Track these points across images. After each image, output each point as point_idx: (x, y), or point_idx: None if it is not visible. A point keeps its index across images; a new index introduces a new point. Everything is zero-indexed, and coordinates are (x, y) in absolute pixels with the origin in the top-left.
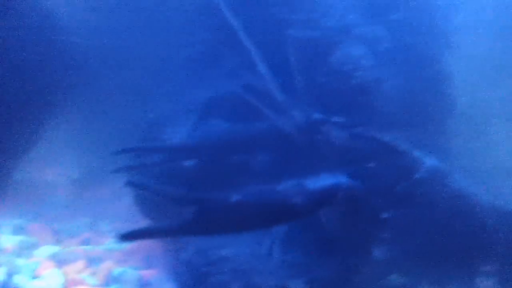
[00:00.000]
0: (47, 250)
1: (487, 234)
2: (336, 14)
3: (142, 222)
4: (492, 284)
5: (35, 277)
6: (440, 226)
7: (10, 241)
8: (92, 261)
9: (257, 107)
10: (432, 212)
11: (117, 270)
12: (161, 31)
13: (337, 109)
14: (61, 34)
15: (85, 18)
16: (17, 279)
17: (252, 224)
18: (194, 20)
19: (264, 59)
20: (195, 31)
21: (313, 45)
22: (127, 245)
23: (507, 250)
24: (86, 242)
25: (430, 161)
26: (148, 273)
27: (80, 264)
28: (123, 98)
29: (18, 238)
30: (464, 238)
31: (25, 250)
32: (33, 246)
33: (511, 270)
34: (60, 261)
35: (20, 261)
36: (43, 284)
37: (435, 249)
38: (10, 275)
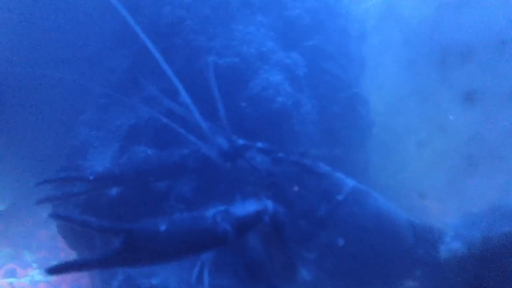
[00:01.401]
0: None
1: (407, 250)
2: (254, 41)
3: (66, 252)
4: None
5: None
6: (363, 245)
7: None
8: None
9: (180, 133)
10: (355, 232)
11: None
12: (79, 57)
13: (259, 133)
14: None
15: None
16: None
17: (181, 253)
18: (112, 47)
19: (183, 85)
20: (114, 57)
21: (233, 71)
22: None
23: (427, 264)
24: (10, 273)
25: (351, 183)
26: None
27: None
28: (42, 125)
29: None
30: (386, 255)
31: None
32: None
33: (432, 284)
34: None
35: None
36: None
37: (360, 267)
38: None
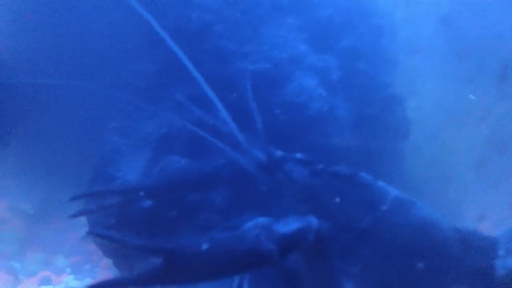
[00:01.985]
0: None
1: (454, 261)
2: (286, 45)
3: (98, 255)
4: None
5: None
6: (408, 256)
7: None
8: None
9: (214, 143)
10: (400, 243)
11: None
12: (108, 64)
13: (293, 141)
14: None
15: (26, 57)
16: None
17: (223, 273)
18: (141, 53)
19: (215, 93)
20: (141, 62)
21: (265, 77)
22: (87, 282)
23: (473, 275)
24: (44, 281)
25: (393, 192)
26: None
27: None
28: (73, 133)
29: None
30: (431, 266)
31: None
32: None
33: None
34: None
35: None
36: None
37: (405, 279)
38: None
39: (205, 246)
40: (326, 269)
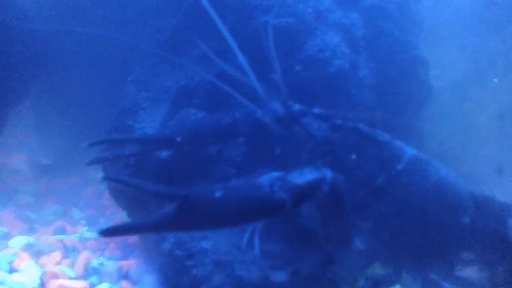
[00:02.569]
0: (20, 240)
1: (467, 222)
2: (310, 0)
3: (112, 209)
4: (472, 271)
5: (12, 270)
6: (421, 216)
7: None
8: (68, 251)
9: (232, 96)
10: (414, 202)
11: (96, 261)
12: (128, 17)
13: (313, 98)
14: (22, 21)
15: (48, 5)
16: None
17: (236, 220)
18: (162, 6)
19: (237, 46)
20: (164, 16)
21: (288, 32)
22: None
23: (486, 237)
24: (59, 230)
25: (411, 151)
26: (127, 264)
27: (56, 255)
28: (92, 85)
29: None
30: (444, 226)
31: None
32: (6, 236)
33: (491, 257)
34: (35, 253)
35: None
36: (23, 278)
37: (416, 238)
38: None
39: (218, 193)
40: (339, 223)
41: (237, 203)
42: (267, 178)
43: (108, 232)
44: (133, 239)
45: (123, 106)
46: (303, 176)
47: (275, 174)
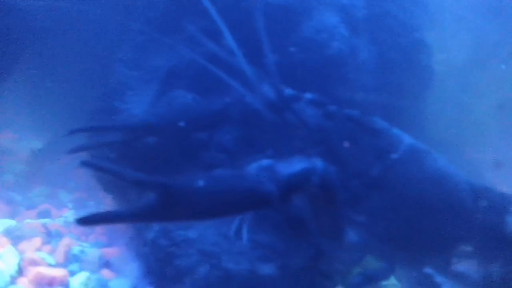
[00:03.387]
0: (1, 224)
1: (464, 215)
2: None
3: (103, 192)
4: (469, 265)
5: None
6: (417, 208)
7: None
8: (51, 236)
9: (223, 79)
10: (410, 194)
11: (77, 248)
12: None
13: (310, 82)
14: None
15: None
16: None
17: (220, 212)
18: None
19: (228, 26)
20: None
21: (284, 11)
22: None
23: (485, 231)
24: (44, 214)
25: (408, 140)
26: (110, 252)
27: (37, 240)
28: (79, 63)
29: None
30: (441, 219)
31: None
32: None
33: (488, 251)
34: (16, 237)
35: None
36: (0, 265)
37: (412, 231)
38: None
39: (202, 183)
40: (331, 215)
41: (221, 193)
42: (255, 168)
43: (86, 221)
44: (120, 225)
45: (111, 85)
46: (292, 167)
47: (264, 163)
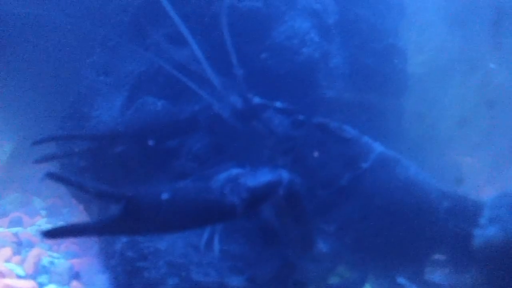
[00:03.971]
0: None
1: (437, 224)
2: None
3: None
4: (442, 274)
5: None
6: (388, 216)
7: None
8: (22, 246)
9: (190, 87)
10: (380, 203)
11: (47, 259)
12: None
13: (281, 89)
14: None
15: None
16: None
17: (184, 225)
18: None
19: (197, 32)
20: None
21: (253, 16)
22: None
23: (457, 239)
24: (15, 222)
25: (378, 148)
26: (80, 263)
27: (7, 251)
28: (48, 67)
29: None
30: (413, 228)
31: None
32: None
33: (462, 260)
34: None
35: None
36: None
37: (382, 241)
38: None
39: (165, 196)
40: (299, 226)
41: (185, 206)
42: (220, 179)
43: (51, 234)
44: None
45: (80, 90)
46: (257, 178)
47: (229, 174)
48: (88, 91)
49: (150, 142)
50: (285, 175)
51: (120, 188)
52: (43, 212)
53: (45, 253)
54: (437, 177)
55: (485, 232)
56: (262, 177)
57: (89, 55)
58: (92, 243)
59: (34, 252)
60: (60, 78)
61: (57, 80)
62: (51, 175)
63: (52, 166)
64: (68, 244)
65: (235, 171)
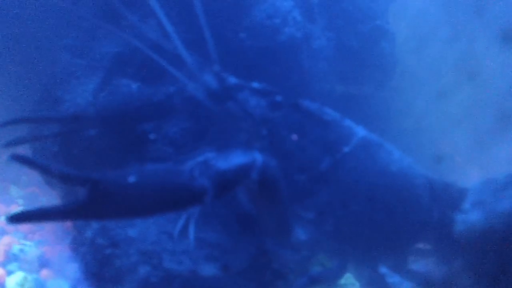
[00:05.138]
0: None
1: (421, 211)
2: None
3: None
4: (427, 264)
5: None
6: (370, 203)
7: None
8: None
9: (164, 67)
10: (362, 189)
11: (17, 247)
12: None
13: (260, 71)
14: None
15: None
16: None
17: (152, 209)
18: None
19: (169, 11)
20: None
21: None
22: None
23: (441, 227)
24: None
25: (361, 132)
26: (52, 251)
27: None
28: (19, 49)
29: None
30: (396, 215)
31: None
32: None
33: (446, 249)
34: None
35: None
36: None
37: (364, 229)
38: None
39: (132, 178)
40: (274, 212)
41: (152, 189)
42: (190, 162)
43: (16, 219)
44: (69, 223)
45: (53, 73)
46: (229, 161)
47: (199, 157)
48: (62, 74)
49: (124, 125)
50: (258, 157)
51: (86, 172)
52: (20, 201)
53: (16, 242)
54: (417, 154)
55: (468, 217)
56: (234, 159)
57: (64, 36)
58: (67, 232)
59: (5, 240)
60: (33, 61)
61: (30, 63)
62: (16, 157)
63: (24, 152)
64: (43, 233)
65: (202, 155)
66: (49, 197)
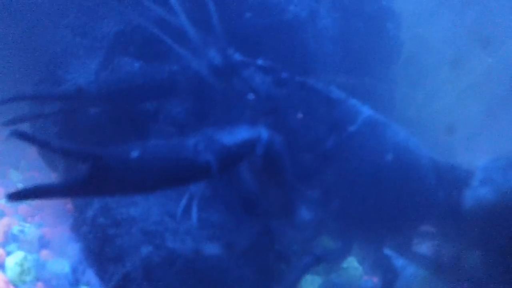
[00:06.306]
0: None
1: (427, 192)
2: None
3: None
4: (432, 246)
5: None
6: (376, 184)
7: None
8: None
9: (169, 45)
10: (367, 168)
11: (17, 227)
12: None
13: (265, 50)
14: None
15: None
16: None
17: (156, 185)
18: None
19: None
20: None
21: None
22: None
23: (448, 209)
24: None
25: (367, 112)
26: (52, 232)
27: None
28: (23, 29)
29: None
30: (402, 196)
31: None
32: None
33: (450, 232)
34: None
35: None
36: None
37: (368, 209)
38: None
39: (135, 154)
40: (279, 189)
41: (155, 164)
42: (194, 138)
43: (16, 196)
44: (70, 205)
45: (55, 52)
46: (234, 136)
47: (204, 132)
48: (63, 53)
49: (126, 104)
50: (264, 132)
51: (88, 147)
52: (20, 185)
53: (16, 223)
54: (428, 126)
55: (477, 193)
56: (239, 134)
57: (65, 15)
58: (67, 214)
59: (4, 221)
60: (35, 40)
61: (32, 42)
62: (16, 133)
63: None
64: (43, 215)
65: (207, 131)
66: (48, 181)
